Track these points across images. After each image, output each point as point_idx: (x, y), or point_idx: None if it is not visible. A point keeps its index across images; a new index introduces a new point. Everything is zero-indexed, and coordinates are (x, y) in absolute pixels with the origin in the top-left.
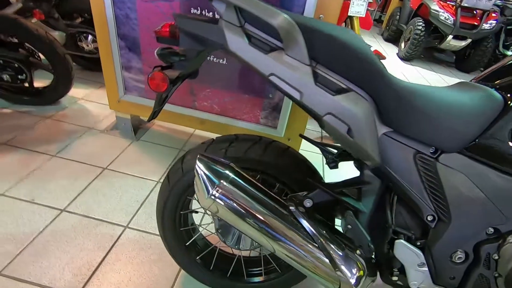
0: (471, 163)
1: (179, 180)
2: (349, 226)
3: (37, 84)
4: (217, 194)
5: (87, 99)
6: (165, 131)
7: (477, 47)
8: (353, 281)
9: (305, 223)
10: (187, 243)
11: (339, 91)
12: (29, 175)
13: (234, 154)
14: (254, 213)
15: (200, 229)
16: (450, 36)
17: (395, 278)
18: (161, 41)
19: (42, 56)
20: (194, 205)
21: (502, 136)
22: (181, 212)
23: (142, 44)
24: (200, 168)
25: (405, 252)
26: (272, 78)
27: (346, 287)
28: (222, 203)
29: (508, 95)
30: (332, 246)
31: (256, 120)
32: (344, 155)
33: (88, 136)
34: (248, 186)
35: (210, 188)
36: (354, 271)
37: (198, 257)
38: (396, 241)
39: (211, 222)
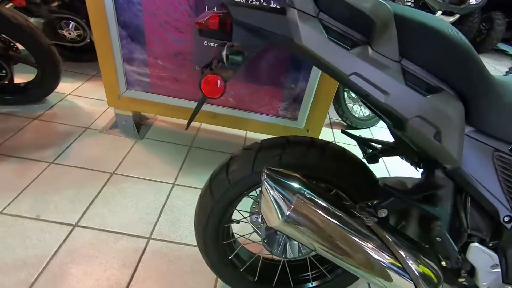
0: None
1: (226, 192)
2: (438, 239)
3: (18, 80)
4: (293, 215)
5: (76, 95)
6: (169, 126)
7: (464, 22)
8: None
9: (382, 236)
10: (231, 256)
11: (430, 90)
12: (27, 187)
13: (289, 161)
14: (330, 229)
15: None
16: (439, 12)
17: (461, 280)
18: (206, 35)
19: (20, 47)
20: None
21: None
22: (225, 225)
23: (146, 32)
24: (270, 184)
25: (480, 255)
26: (353, 77)
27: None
28: (299, 223)
29: None
30: (412, 258)
31: (275, 112)
32: (387, 151)
33: (86, 137)
34: (321, 200)
35: (285, 208)
36: (432, 281)
37: (242, 269)
38: (471, 244)
39: (252, 232)
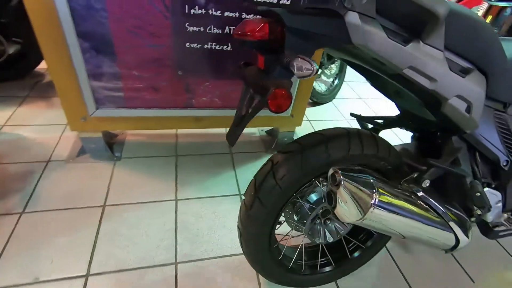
0: None
1: (277, 199)
2: (478, 194)
3: None
4: (375, 207)
5: (13, 124)
6: (144, 139)
7: None
8: (468, 234)
9: (430, 202)
10: (280, 257)
11: (465, 72)
12: (5, 249)
13: (337, 156)
14: (399, 209)
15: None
16: None
17: (473, 219)
18: (251, 46)
19: None
20: None
21: None
22: (275, 230)
23: (115, 41)
24: (349, 183)
25: (490, 196)
26: (406, 70)
27: (464, 241)
28: (379, 212)
29: None
30: (451, 214)
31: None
32: (388, 125)
33: (51, 172)
34: (386, 186)
35: (367, 202)
36: (465, 228)
37: (290, 266)
38: (484, 189)
39: (291, 230)
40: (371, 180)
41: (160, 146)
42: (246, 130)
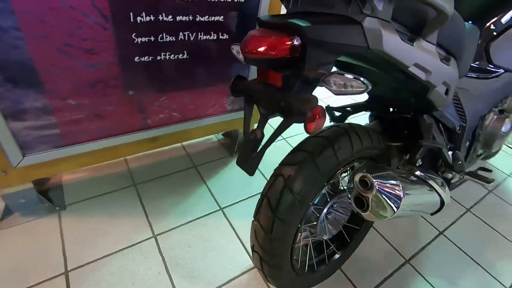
0: (470, 80)
1: (298, 213)
2: (459, 162)
3: None
4: (404, 200)
5: None
6: (86, 175)
7: None
8: (449, 194)
9: (423, 176)
10: (299, 265)
11: (447, 59)
12: None
13: (345, 155)
14: (414, 192)
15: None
16: None
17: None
18: (267, 65)
19: None
20: None
21: (481, 57)
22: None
23: (39, 67)
24: (380, 183)
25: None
26: (411, 68)
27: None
28: (407, 202)
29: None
30: (438, 182)
31: (223, 110)
32: (355, 111)
33: None
34: (402, 174)
35: (399, 196)
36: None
37: (306, 269)
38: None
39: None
40: (391, 173)
41: (110, 179)
42: (202, 137)
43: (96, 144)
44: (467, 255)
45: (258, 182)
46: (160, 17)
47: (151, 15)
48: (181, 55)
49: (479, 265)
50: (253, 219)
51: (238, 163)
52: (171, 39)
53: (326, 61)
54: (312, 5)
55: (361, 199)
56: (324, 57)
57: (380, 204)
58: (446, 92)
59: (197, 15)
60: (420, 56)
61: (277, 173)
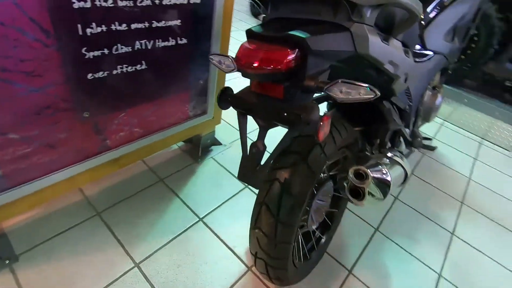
0: (415, 64)
1: (298, 213)
2: (418, 138)
3: None
4: (392, 183)
5: None
6: (35, 214)
7: None
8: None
9: (395, 156)
10: (297, 259)
11: (407, 52)
12: None
13: (331, 150)
14: (393, 173)
15: None
16: None
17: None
18: (267, 78)
19: None
20: None
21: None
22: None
23: None
24: (374, 173)
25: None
26: (386, 65)
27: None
28: (393, 183)
29: None
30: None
31: (185, 117)
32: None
33: None
34: (380, 158)
35: (388, 181)
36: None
37: (301, 261)
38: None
39: None
40: (378, 161)
41: (66, 212)
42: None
43: (50, 179)
44: (418, 211)
45: (229, 183)
46: (113, 27)
47: (103, 26)
48: (139, 66)
49: (427, 218)
50: (251, 227)
51: (241, 178)
52: (127, 50)
53: (323, 69)
54: (295, 11)
55: (357, 190)
56: (321, 65)
57: (374, 191)
58: (405, 80)
59: (153, 21)
60: (393, 54)
61: (272, 178)
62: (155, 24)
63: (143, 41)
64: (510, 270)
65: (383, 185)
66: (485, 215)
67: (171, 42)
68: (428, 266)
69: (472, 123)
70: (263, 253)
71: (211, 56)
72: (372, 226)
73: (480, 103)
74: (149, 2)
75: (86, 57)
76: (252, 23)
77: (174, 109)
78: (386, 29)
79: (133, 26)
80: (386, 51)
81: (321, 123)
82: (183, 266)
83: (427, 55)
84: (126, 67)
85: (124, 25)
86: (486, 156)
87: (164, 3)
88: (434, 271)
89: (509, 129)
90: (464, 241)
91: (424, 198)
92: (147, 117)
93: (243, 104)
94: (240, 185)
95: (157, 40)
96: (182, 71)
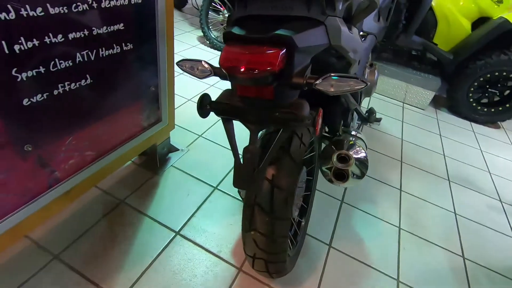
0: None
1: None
2: (374, 114)
3: None
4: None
5: None
6: None
7: None
8: None
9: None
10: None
11: (364, 37)
12: None
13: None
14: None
15: None
16: None
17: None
18: (256, 81)
19: None
20: None
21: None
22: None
23: None
24: (355, 155)
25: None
26: (350, 53)
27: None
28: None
29: None
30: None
31: (140, 129)
32: None
33: None
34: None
35: (365, 159)
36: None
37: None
38: None
39: None
40: (356, 142)
41: (17, 265)
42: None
43: None
44: (370, 177)
45: (197, 189)
46: (47, 39)
47: (34, 39)
48: (83, 81)
49: (379, 181)
50: (245, 231)
51: (238, 186)
52: (68, 65)
53: (306, 65)
54: (265, 8)
55: (341, 173)
56: (305, 61)
57: (356, 171)
58: (358, 62)
59: (93, 28)
60: (355, 42)
61: (258, 177)
62: (95, 31)
63: (84, 52)
64: (449, 211)
65: (363, 164)
66: (421, 168)
67: (116, 49)
68: (389, 222)
69: (393, 90)
70: (262, 252)
71: (179, 63)
72: (338, 199)
73: (397, 72)
74: (85, 7)
75: (19, 79)
76: (176, 16)
77: (127, 123)
78: (346, 19)
79: (71, 36)
80: (351, 39)
81: (318, 118)
82: (172, 286)
83: (364, 36)
84: (69, 84)
85: (60, 36)
86: (409, 117)
87: (103, 6)
88: (394, 225)
89: (421, 91)
90: (411, 194)
91: (372, 164)
92: (99, 137)
93: (230, 110)
94: (209, 187)
95: (100, 49)
96: (131, 80)
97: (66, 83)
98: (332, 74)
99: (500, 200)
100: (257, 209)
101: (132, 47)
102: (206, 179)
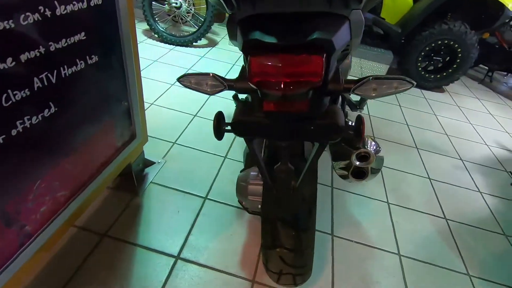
0: None
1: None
2: (364, 100)
3: None
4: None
5: None
6: None
7: None
8: None
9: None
10: None
11: None
12: None
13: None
14: None
15: None
16: None
17: None
18: (296, 97)
19: None
20: None
21: None
22: None
23: None
24: (374, 151)
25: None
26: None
27: None
28: None
29: None
30: None
31: (114, 150)
32: None
33: None
34: None
35: (381, 154)
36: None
37: None
38: None
39: None
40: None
41: None
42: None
43: None
44: None
45: (186, 203)
46: None
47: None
48: (46, 111)
49: None
50: (268, 248)
51: (271, 211)
52: (25, 95)
53: (337, 67)
54: (278, 5)
55: (361, 171)
56: (335, 63)
57: (375, 165)
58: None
59: (50, 43)
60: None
61: (274, 196)
62: (53, 46)
63: (43, 76)
64: (424, 177)
65: (379, 157)
66: (392, 140)
67: (80, 65)
68: (378, 199)
69: (353, 67)
70: (290, 267)
71: (181, 80)
72: (328, 185)
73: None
74: (37, 17)
75: None
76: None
77: (101, 147)
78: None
79: (23, 57)
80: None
81: (363, 126)
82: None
83: None
84: (29, 119)
85: (9, 60)
86: None
87: (58, 13)
88: (383, 201)
89: (376, 66)
90: (391, 168)
91: None
92: (72, 172)
93: (255, 129)
94: (198, 199)
95: (61, 68)
96: (102, 98)
97: (25, 118)
98: (372, 76)
99: (461, 159)
100: (281, 224)
101: (97, 59)
102: (193, 190)
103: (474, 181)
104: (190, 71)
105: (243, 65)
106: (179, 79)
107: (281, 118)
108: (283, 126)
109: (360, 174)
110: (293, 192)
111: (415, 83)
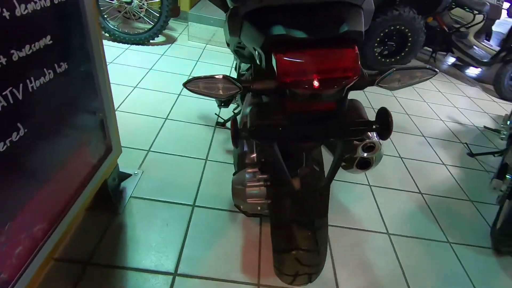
0: None
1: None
2: None
3: None
4: None
5: None
6: None
7: None
8: None
9: None
10: None
11: None
12: None
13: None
14: None
15: None
16: None
17: None
18: (334, 96)
19: None
20: None
21: None
22: None
23: None
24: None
25: None
26: None
27: None
28: None
29: None
30: None
31: (90, 168)
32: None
33: None
34: None
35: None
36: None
37: None
38: None
39: None
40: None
41: None
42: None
43: None
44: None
45: (173, 213)
46: None
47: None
48: (15, 134)
49: None
50: (283, 251)
51: (298, 216)
52: None
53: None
54: None
55: (366, 161)
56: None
57: (378, 153)
58: None
59: (12, 51)
60: None
61: (285, 202)
62: (15, 55)
63: (7, 92)
64: (396, 156)
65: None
66: None
67: (49, 75)
68: (361, 183)
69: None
70: (306, 268)
71: (189, 85)
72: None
73: None
74: None
75: None
76: None
77: (78, 168)
78: None
79: None
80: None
81: (391, 119)
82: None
83: None
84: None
85: None
86: None
87: (18, 14)
88: (365, 184)
89: None
90: None
91: None
92: (48, 201)
93: (281, 133)
94: (186, 208)
95: (28, 81)
96: (74, 111)
97: None
98: (395, 67)
99: (423, 136)
100: (296, 226)
101: (67, 66)
102: (178, 199)
103: (437, 155)
104: (152, 71)
105: (249, 65)
106: (185, 84)
107: (307, 118)
108: (309, 126)
109: (365, 164)
110: (320, 194)
111: (438, 71)
